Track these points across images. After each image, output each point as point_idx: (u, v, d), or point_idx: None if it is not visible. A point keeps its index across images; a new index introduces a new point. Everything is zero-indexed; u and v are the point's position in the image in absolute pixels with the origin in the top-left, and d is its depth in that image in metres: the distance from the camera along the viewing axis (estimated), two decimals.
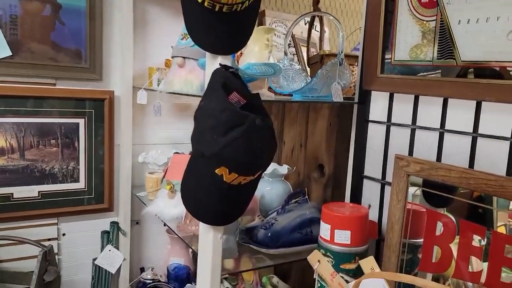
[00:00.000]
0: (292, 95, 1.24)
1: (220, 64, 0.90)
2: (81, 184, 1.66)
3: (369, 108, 1.18)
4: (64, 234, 1.67)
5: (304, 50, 1.78)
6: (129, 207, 1.72)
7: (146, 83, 1.59)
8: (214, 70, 0.90)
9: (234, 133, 0.83)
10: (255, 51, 1.25)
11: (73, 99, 1.60)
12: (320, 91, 1.16)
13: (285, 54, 1.27)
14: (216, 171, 0.86)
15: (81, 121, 1.63)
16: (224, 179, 0.87)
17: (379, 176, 1.16)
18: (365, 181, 1.21)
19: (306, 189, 1.28)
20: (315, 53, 1.66)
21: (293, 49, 1.77)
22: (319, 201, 1.49)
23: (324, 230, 1.06)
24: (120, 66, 1.67)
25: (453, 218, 0.96)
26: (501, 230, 0.88)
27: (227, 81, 0.88)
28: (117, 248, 1.71)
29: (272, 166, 1.41)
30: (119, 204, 1.74)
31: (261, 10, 1.83)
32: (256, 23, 0.97)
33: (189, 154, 1.31)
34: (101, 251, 1.69)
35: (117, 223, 1.74)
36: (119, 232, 1.73)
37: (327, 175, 1.45)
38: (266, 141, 0.89)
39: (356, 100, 1.20)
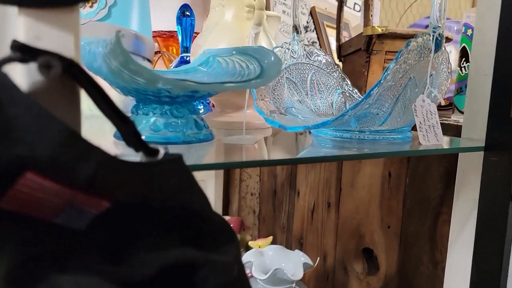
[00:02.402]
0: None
1: (12, 45, 0.20)
2: None
3: None
4: None
5: (331, 34, 1.08)
6: None
7: None
8: None
9: None
10: (227, 23, 0.54)
11: None
12: (387, 117, 0.44)
13: (296, 31, 0.55)
14: None
15: None
16: None
17: None
18: None
19: None
20: (348, 39, 0.94)
21: (314, 34, 1.06)
22: None
23: None
24: None
25: None
26: None
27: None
28: None
29: (275, 262, 0.70)
30: None
31: None
32: None
33: None
34: None
35: None
36: None
37: (383, 273, 0.74)
38: None
39: (481, 141, 0.46)
